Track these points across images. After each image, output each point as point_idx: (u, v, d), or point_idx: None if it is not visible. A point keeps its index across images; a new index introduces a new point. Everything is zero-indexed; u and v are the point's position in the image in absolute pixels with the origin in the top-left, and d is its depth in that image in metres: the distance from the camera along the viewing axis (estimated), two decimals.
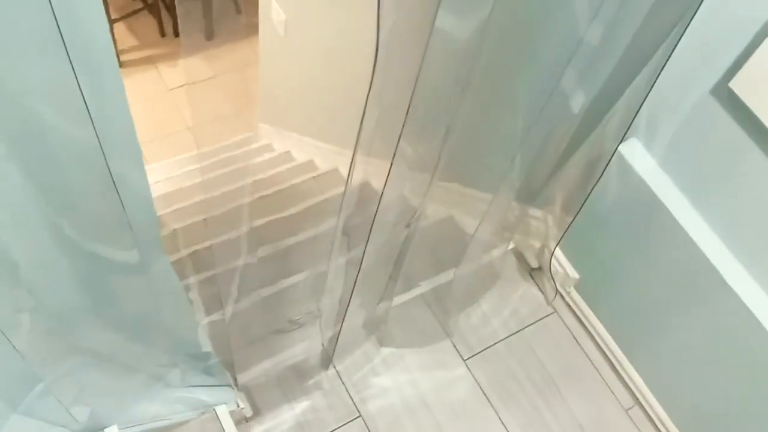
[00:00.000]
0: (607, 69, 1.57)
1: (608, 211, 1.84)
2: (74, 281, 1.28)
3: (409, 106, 1.23)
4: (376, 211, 1.49)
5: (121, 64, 3.69)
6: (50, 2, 0.78)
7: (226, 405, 1.68)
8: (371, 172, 1.49)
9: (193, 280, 2.35)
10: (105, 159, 1.02)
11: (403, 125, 1.28)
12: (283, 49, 2.97)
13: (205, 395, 1.65)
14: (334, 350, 1.86)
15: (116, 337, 1.49)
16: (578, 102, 1.64)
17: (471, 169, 1.97)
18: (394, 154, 1.36)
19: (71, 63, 0.85)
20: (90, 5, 0.84)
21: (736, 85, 1.40)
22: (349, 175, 1.36)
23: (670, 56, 1.48)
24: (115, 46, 3.61)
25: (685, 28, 1.44)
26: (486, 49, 1.27)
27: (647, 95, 1.60)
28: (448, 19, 1.19)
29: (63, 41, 0.82)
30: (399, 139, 1.32)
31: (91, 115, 0.94)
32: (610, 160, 1.73)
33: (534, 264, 2.15)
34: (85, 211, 1.16)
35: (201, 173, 3.12)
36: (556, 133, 1.73)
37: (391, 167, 1.38)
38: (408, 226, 1.71)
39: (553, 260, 2.05)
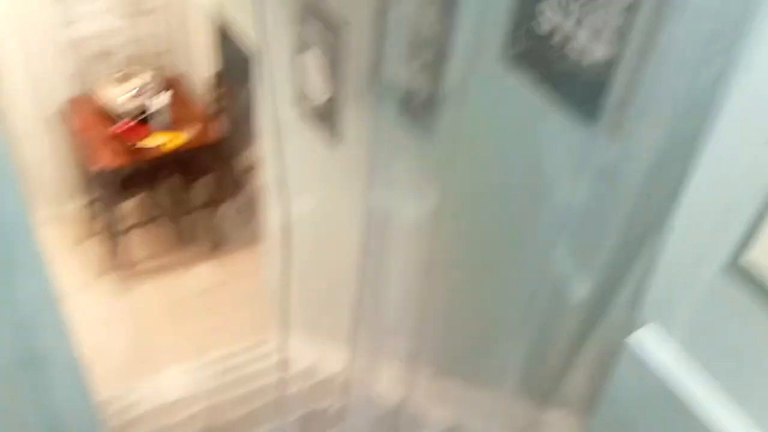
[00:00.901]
0: (606, 246, 1.41)
1: (628, 413, 1.59)
2: None
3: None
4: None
5: (133, 274, 3.68)
6: None
7: None
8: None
9: None
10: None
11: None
12: (287, 253, 2.91)
13: None
14: None
15: None
16: (577, 285, 1.47)
17: (467, 364, 1.77)
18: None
19: None
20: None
21: (748, 260, 1.23)
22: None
23: (669, 229, 1.32)
24: (127, 257, 3.62)
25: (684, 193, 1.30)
26: (445, 232, 1.15)
27: (653, 275, 1.42)
28: (387, 206, 1.08)
29: None
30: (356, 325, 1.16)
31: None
32: (620, 352, 1.51)
33: None
34: None
35: (203, 384, 2.95)
36: (556, 322, 1.54)
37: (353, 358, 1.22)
38: None
39: None
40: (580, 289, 1.47)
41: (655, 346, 1.48)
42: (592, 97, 1.28)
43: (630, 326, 1.48)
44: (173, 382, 3.11)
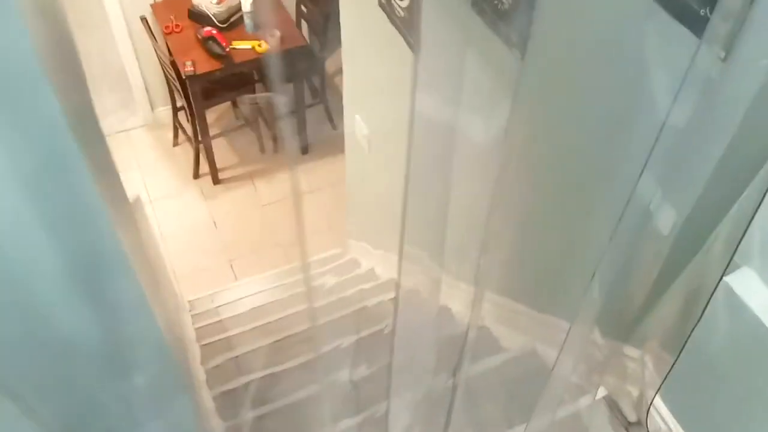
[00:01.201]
0: (700, 176, 1.26)
1: (718, 356, 1.46)
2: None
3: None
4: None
5: (220, 181, 3.73)
6: None
7: None
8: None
9: (251, 413, 2.16)
10: None
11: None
12: (368, 164, 2.85)
13: None
14: None
15: None
16: (666, 216, 1.33)
17: (544, 291, 1.67)
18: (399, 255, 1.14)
19: None
20: None
21: None
22: None
23: None
24: (214, 163, 3.66)
25: None
26: (522, 150, 1.03)
27: (755, 212, 1.26)
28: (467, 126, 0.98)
29: None
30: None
31: None
32: (713, 293, 1.37)
33: (632, 417, 1.76)
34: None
35: (276, 295, 3.00)
36: (642, 254, 1.41)
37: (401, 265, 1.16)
38: (455, 371, 1.42)
39: (653, 413, 1.66)
40: (669, 222, 1.33)
41: (751, 289, 1.34)
42: (701, 5, 1.10)
43: (724, 267, 1.34)
44: (250, 290, 3.18)
